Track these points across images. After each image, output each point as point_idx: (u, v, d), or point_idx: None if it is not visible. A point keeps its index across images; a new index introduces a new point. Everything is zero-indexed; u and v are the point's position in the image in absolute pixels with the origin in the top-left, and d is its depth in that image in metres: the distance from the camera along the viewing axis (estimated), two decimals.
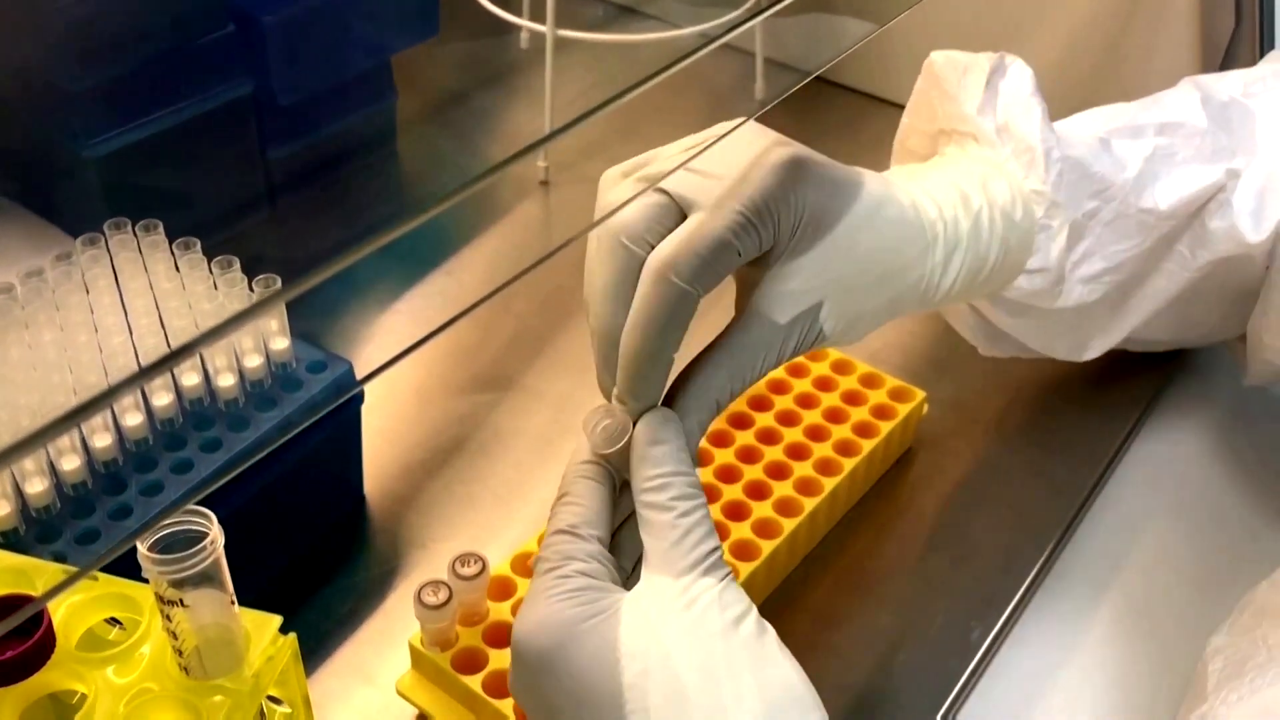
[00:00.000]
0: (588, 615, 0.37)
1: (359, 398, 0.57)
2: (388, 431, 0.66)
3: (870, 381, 0.64)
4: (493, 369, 0.72)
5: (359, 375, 0.56)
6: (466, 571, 0.50)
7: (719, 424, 0.61)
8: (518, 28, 0.92)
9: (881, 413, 0.62)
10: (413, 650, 0.51)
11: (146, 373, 0.23)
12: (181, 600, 0.37)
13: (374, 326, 0.75)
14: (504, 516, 0.62)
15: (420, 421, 0.68)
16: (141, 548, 0.36)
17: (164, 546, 0.37)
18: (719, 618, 0.37)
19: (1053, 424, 0.68)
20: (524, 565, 0.54)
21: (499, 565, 0.53)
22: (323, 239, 0.78)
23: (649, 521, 0.40)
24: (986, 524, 0.62)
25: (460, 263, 0.80)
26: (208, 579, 0.37)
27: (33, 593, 0.40)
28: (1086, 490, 0.64)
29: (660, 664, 0.36)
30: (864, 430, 0.61)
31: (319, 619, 0.56)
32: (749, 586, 0.54)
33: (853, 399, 0.63)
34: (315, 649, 0.55)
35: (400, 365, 0.79)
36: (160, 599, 0.38)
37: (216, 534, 0.37)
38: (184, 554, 0.36)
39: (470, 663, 0.50)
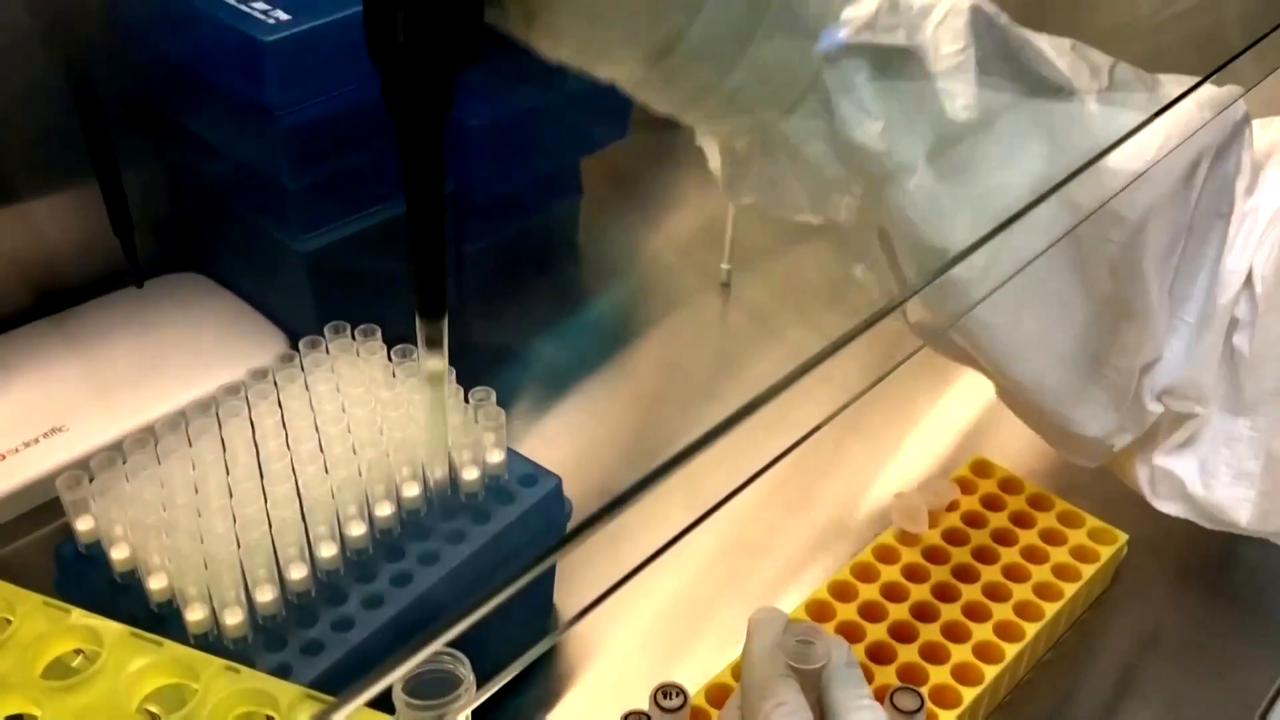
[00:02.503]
0: None
1: (566, 514, 0.57)
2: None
3: (1069, 520, 0.62)
4: None
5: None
6: (669, 704, 0.50)
7: (912, 556, 0.60)
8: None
9: (1082, 555, 0.60)
10: None
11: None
12: None
13: (548, 415, 0.76)
14: (689, 634, 0.62)
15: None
16: (397, 689, 0.37)
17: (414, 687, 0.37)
18: None
19: (1264, 572, 0.65)
20: (719, 696, 0.54)
21: (694, 694, 0.53)
22: (508, 336, 0.79)
23: None
24: (1191, 679, 0.60)
25: (635, 358, 0.80)
26: None
27: (274, 714, 0.41)
28: None
29: None
30: (1064, 573, 0.59)
31: None
32: None
33: (1051, 538, 0.61)
34: None
35: (585, 462, 0.78)
36: None
37: (470, 681, 0.37)
38: (442, 700, 0.37)
39: None
